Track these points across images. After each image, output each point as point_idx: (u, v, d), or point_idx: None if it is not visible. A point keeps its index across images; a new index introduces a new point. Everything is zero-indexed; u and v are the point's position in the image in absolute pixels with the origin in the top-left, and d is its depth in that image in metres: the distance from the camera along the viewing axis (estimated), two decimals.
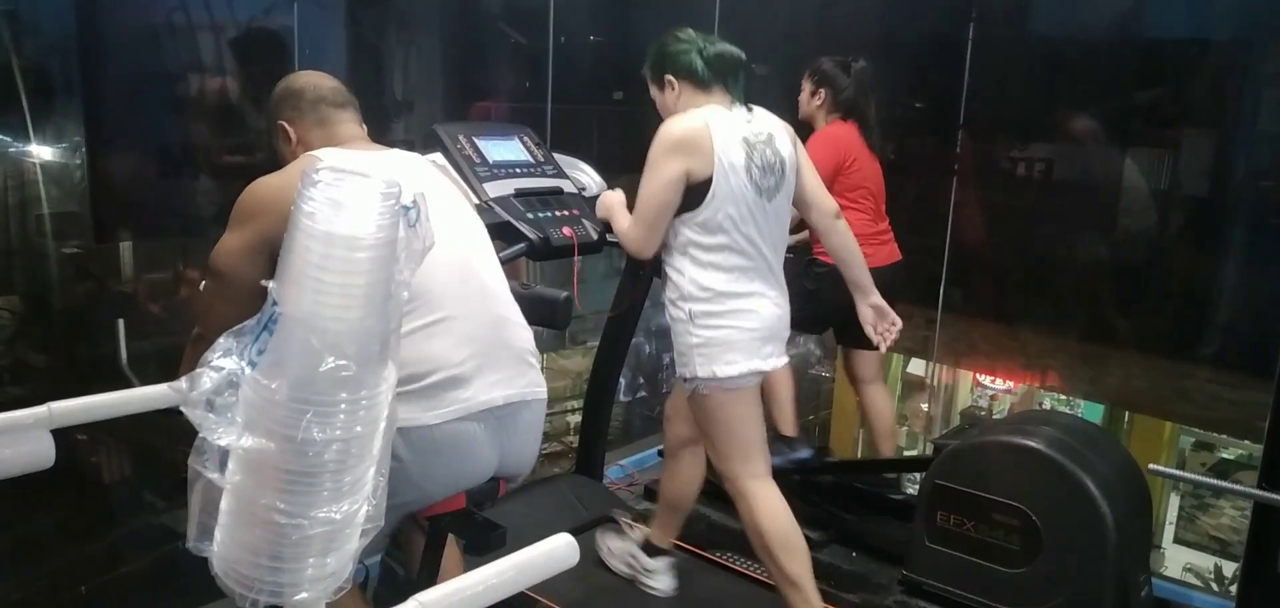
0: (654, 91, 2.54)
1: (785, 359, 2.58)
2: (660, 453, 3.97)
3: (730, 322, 2.41)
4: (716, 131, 2.37)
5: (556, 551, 1.17)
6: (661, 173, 2.37)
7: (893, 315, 2.68)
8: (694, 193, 2.37)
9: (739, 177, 2.37)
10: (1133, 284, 4.02)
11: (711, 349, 2.41)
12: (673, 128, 2.39)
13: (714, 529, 3.54)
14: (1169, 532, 4.40)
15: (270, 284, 0.84)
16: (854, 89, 3.37)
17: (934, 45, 4.16)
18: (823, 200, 2.63)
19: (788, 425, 3.51)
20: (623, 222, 2.52)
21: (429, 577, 2.03)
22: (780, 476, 3.33)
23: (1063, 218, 4.03)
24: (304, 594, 0.90)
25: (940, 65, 4.06)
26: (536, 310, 2.24)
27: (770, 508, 2.49)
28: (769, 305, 2.47)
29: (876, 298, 2.66)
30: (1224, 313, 3.85)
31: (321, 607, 0.93)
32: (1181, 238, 3.91)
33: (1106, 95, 3.89)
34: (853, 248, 2.65)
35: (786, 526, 2.49)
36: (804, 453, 3.50)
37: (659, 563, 2.86)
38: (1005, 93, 4.05)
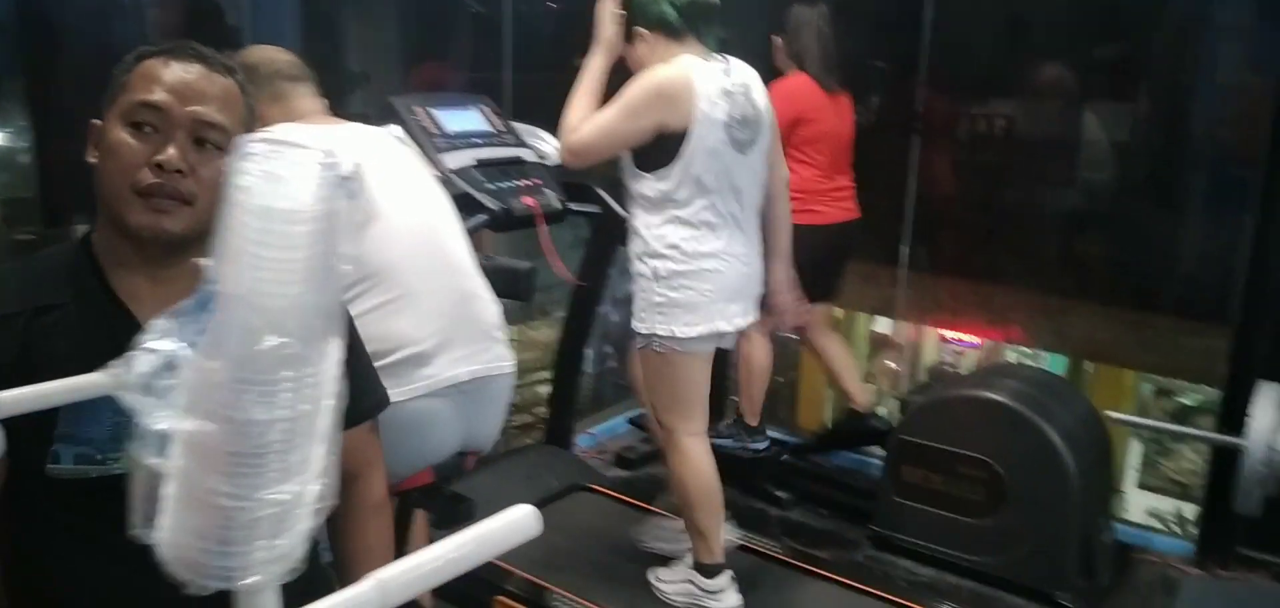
0: (624, 48, 2.47)
1: (751, 320, 2.56)
2: (630, 421, 3.98)
3: (695, 283, 2.38)
4: (698, 84, 2.32)
5: (517, 521, 1.15)
6: (634, 120, 2.33)
7: (796, 295, 2.75)
8: (669, 144, 2.33)
9: (717, 131, 2.33)
10: (1095, 236, 4.06)
11: (673, 309, 2.39)
12: (655, 76, 2.33)
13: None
14: (1132, 477, 4.47)
15: (207, 262, 0.82)
16: (792, 33, 3.33)
17: (894, 1, 4.15)
18: (778, 163, 2.62)
19: (754, 414, 3.54)
20: (571, 114, 2.41)
21: (397, 550, 2.02)
22: (730, 458, 3.39)
23: (1025, 173, 4.06)
24: (255, 577, 0.88)
25: (901, 22, 4.06)
26: (500, 282, 2.23)
27: (699, 466, 2.54)
28: (738, 265, 2.44)
29: (788, 270, 2.69)
30: (1184, 262, 3.90)
31: (274, 590, 0.91)
32: (1142, 189, 3.95)
33: (1066, 49, 3.91)
34: (785, 217, 2.67)
35: (710, 484, 2.55)
36: (760, 444, 3.56)
37: (721, 581, 2.62)
38: (966, 49, 4.06)
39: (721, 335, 2.48)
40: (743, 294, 2.48)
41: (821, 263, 3.41)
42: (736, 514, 3.29)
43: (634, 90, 2.34)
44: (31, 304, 1.21)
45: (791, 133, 3.23)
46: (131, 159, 1.20)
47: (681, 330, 2.40)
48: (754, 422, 3.54)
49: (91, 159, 1.24)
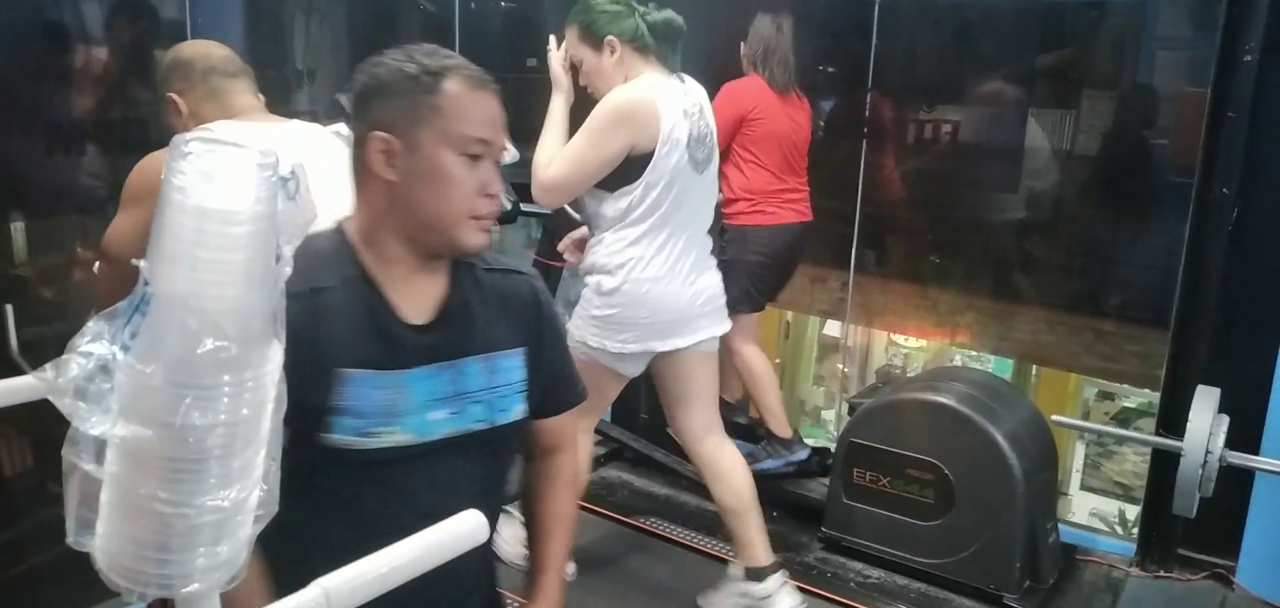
0: (586, 52, 2.44)
1: (695, 340, 2.53)
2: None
3: (638, 305, 2.41)
4: (662, 105, 2.34)
5: (464, 527, 1.15)
6: (605, 143, 2.32)
7: None
8: (634, 166, 2.34)
9: (680, 151, 2.36)
10: (1038, 241, 4.12)
11: (609, 326, 2.43)
12: (621, 98, 2.34)
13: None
14: (1075, 479, 4.55)
15: (142, 263, 0.80)
16: (754, 42, 3.37)
17: (842, 8, 4.19)
18: None
19: (780, 424, 3.45)
20: (544, 153, 2.40)
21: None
22: (771, 478, 3.34)
23: (970, 178, 4.11)
24: (195, 585, 0.86)
25: (849, 29, 4.09)
26: None
27: (586, 456, 2.72)
28: (687, 284, 2.45)
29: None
30: (1124, 267, 3.98)
31: (215, 597, 0.89)
32: (1083, 195, 4.02)
33: (1010, 58, 3.97)
34: None
35: (585, 467, 2.75)
36: (801, 454, 3.45)
37: (772, 583, 2.59)
38: (913, 56, 4.10)
39: (652, 354, 2.50)
40: (689, 313, 2.48)
41: (771, 263, 3.41)
42: (688, 517, 3.31)
43: (601, 116, 2.33)
44: (309, 285, 1.26)
45: (737, 131, 3.25)
46: (468, 188, 1.31)
47: (614, 346, 2.43)
48: (785, 432, 3.45)
49: (387, 174, 1.30)
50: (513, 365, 1.42)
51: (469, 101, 1.29)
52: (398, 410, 1.30)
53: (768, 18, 3.36)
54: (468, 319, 1.38)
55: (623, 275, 2.39)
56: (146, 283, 0.79)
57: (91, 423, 0.79)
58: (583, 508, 3.14)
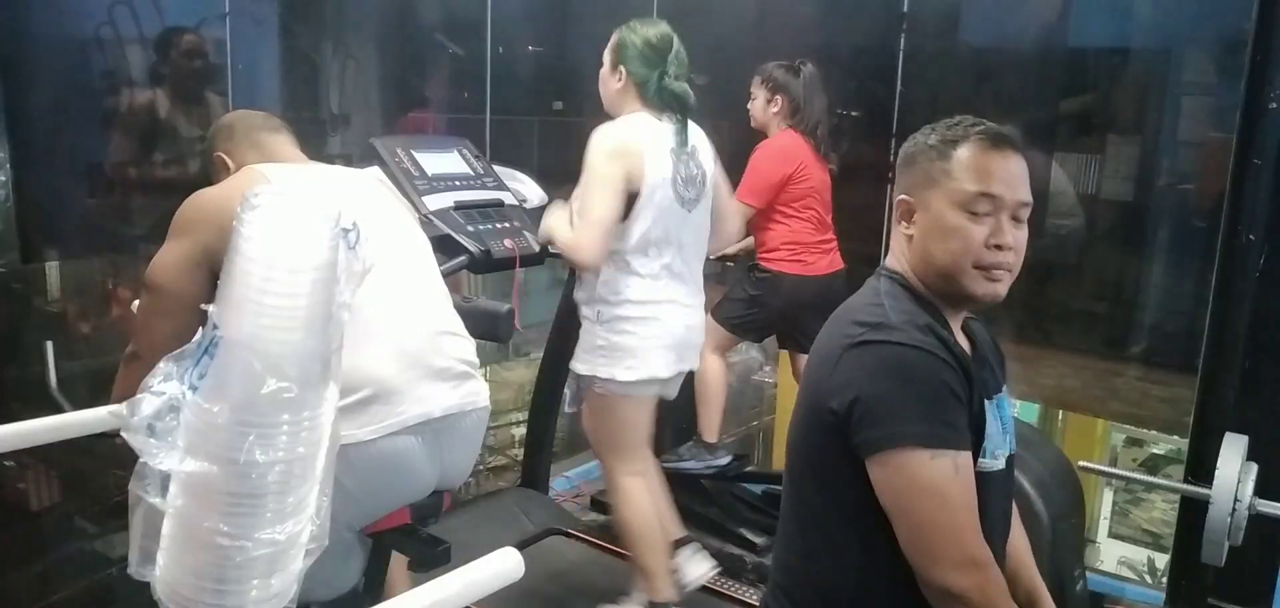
0: (607, 61, 2.54)
1: (688, 367, 2.62)
2: None
3: (637, 329, 2.47)
4: (647, 145, 2.42)
5: (502, 565, 1.17)
6: (606, 179, 2.39)
7: None
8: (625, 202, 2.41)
9: (665, 190, 2.44)
10: (1064, 286, 4.12)
11: (615, 353, 2.47)
12: (608, 137, 2.42)
13: None
14: (1104, 527, 4.52)
15: (210, 308, 0.84)
16: (806, 94, 3.41)
17: (867, 55, 4.23)
18: (731, 223, 2.77)
19: (711, 431, 3.54)
20: (565, 235, 2.50)
21: (373, 594, 2.01)
22: (693, 480, 3.41)
23: None
24: None
25: (874, 75, 4.14)
26: (478, 324, 2.23)
27: (639, 504, 2.60)
28: (681, 314, 2.53)
29: None
30: (1150, 313, 3.97)
31: None
32: (1109, 240, 4.02)
33: (1035, 102, 3.99)
34: None
35: (650, 522, 2.61)
36: (722, 460, 3.54)
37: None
38: (937, 101, 4.13)
39: (661, 382, 2.55)
40: (682, 342, 2.56)
41: (808, 311, 3.45)
42: (712, 558, 3.31)
43: (595, 161, 2.41)
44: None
45: (785, 187, 3.31)
46: (973, 241, 1.43)
47: (622, 374, 2.47)
48: (712, 439, 3.55)
49: (907, 230, 1.50)
50: (1006, 404, 1.57)
51: (979, 164, 1.42)
52: (996, 435, 1.47)
53: (814, 71, 3.40)
54: (986, 359, 1.55)
55: (621, 303, 2.46)
56: (215, 326, 0.83)
57: (160, 458, 0.83)
58: (619, 553, 3.15)
